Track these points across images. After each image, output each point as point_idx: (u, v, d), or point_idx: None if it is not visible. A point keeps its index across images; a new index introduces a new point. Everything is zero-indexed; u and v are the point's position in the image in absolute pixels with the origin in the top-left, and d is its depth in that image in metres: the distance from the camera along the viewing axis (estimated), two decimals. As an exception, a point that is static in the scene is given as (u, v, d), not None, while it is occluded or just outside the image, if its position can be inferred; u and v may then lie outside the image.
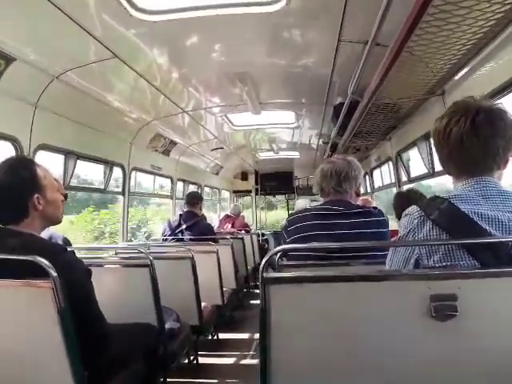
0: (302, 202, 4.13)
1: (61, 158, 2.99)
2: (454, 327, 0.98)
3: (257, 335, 3.76)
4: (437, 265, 1.02)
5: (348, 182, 1.83)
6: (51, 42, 2.18)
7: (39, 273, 1.25)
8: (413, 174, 3.73)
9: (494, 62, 1.99)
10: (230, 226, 6.54)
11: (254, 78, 3.12)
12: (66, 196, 2.24)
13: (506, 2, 1.53)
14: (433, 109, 2.81)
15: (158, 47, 2.52)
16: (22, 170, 1.40)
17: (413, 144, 3.40)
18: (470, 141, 1.03)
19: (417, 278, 1.03)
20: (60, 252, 1.39)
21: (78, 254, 1.57)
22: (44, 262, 1.23)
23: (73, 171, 3.05)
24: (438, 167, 3.09)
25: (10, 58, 2.15)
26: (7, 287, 1.29)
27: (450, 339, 1.00)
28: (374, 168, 5.24)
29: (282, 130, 5.37)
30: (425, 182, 3.76)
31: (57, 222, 1.58)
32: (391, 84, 2.36)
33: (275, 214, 12.24)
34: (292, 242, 1.76)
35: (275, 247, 1.28)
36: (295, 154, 7.15)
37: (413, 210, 1.10)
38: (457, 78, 2.37)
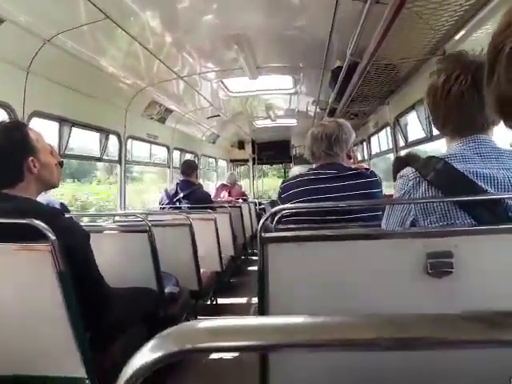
0: (296, 170, 4.10)
1: (55, 125, 2.93)
2: (450, 284, 0.99)
3: (254, 300, 3.86)
4: (433, 225, 1.02)
5: (339, 145, 1.82)
6: (41, 2, 2.09)
7: (36, 237, 1.24)
8: (410, 139, 3.71)
9: (494, 20, 1.93)
10: (226, 194, 6.55)
11: (251, 40, 3.02)
12: (61, 163, 2.23)
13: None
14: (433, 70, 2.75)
15: (150, 9, 2.42)
16: (15, 132, 1.37)
17: (411, 108, 3.35)
18: (470, 98, 0.99)
19: (414, 235, 1.03)
20: (57, 215, 1.39)
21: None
22: (42, 224, 1.23)
23: (68, 139, 2.99)
24: (436, 131, 3.06)
25: (-2, 19, 2.06)
26: (6, 251, 1.29)
27: (445, 296, 1.01)
28: (372, 134, 5.20)
29: (280, 96, 5.28)
30: (422, 148, 3.75)
31: (52, 185, 1.56)
32: (391, 44, 2.30)
33: (273, 182, 12.24)
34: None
35: None
36: (292, 122, 7.07)
37: (407, 171, 1.08)
38: (457, 37, 2.30)
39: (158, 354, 0.37)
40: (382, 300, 1.06)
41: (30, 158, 1.39)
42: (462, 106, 1.01)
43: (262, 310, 1.12)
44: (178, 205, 3.75)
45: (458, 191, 0.98)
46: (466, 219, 0.99)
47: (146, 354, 0.37)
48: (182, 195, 3.76)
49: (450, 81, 1.01)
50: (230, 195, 6.56)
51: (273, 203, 8.33)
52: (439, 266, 0.99)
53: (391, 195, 1.67)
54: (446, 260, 0.99)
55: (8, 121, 1.48)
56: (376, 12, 1.99)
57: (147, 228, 2.12)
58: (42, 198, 1.75)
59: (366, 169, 1.85)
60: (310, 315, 0.40)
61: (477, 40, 2.12)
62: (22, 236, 1.26)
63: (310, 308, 1.11)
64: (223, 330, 0.39)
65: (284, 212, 1.61)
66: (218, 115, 5.88)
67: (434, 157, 1.05)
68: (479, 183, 0.97)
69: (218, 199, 6.18)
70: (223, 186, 6.77)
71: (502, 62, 0.49)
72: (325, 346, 0.38)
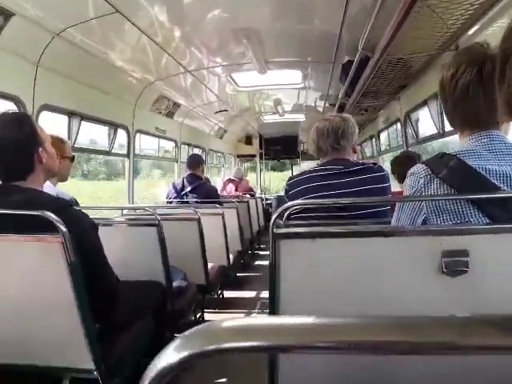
0: (305, 167, 4.10)
1: (64, 118, 2.94)
2: (465, 283, 0.98)
3: (261, 294, 3.89)
4: (446, 223, 1.00)
5: (345, 139, 1.79)
6: None
7: (46, 228, 1.24)
8: (421, 135, 3.66)
9: (507, 16, 1.89)
10: (233, 189, 6.54)
11: (260, 34, 2.99)
12: (73, 158, 2.24)
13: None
14: (446, 65, 2.71)
15: (159, 2, 2.41)
16: (25, 124, 1.38)
17: (423, 103, 3.31)
18: (476, 92, 0.98)
19: (429, 233, 1.01)
20: (66, 206, 1.39)
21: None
22: (53, 216, 1.23)
23: (77, 132, 3.00)
24: (449, 127, 3.02)
25: (8, 12, 2.07)
26: (18, 242, 1.29)
27: (460, 295, 0.99)
28: (381, 130, 5.15)
29: (288, 91, 5.23)
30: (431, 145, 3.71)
31: (55, 174, 1.62)
32: (403, 38, 2.26)
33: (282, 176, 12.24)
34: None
35: None
36: (301, 117, 7.03)
37: (418, 168, 1.06)
38: (470, 32, 2.27)
39: (183, 355, 0.35)
40: (395, 298, 1.04)
41: (40, 149, 1.40)
42: (467, 99, 1.00)
43: (273, 306, 1.11)
44: (185, 199, 3.76)
45: (471, 189, 0.96)
46: (481, 217, 0.97)
47: (171, 354, 0.36)
48: (189, 189, 3.75)
49: (457, 74, 1.00)
50: (236, 190, 6.55)
51: (279, 199, 8.33)
52: (454, 265, 0.97)
53: (400, 192, 1.65)
54: (461, 259, 0.97)
55: (12, 112, 1.49)
56: (389, 6, 1.96)
57: (156, 222, 2.12)
58: (52, 190, 1.76)
59: (373, 163, 1.83)
60: (329, 316, 0.39)
61: (490, 35, 2.08)
62: (34, 227, 1.27)
63: (320, 305, 1.10)
64: (250, 329, 0.38)
65: (293, 208, 1.60)
66: (226, 110, 5.87)
67: (446, 153, 1.03)
68: (492, 180, 0.96)
69: (225, 193, 6.18)
70: (230, 181, 6.77)
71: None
72: (339, 348, 0.37)
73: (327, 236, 1.08)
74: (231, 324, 0.38)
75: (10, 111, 1.45)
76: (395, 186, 2.60)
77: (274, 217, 1.13)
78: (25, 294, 1.35)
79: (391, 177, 2.66)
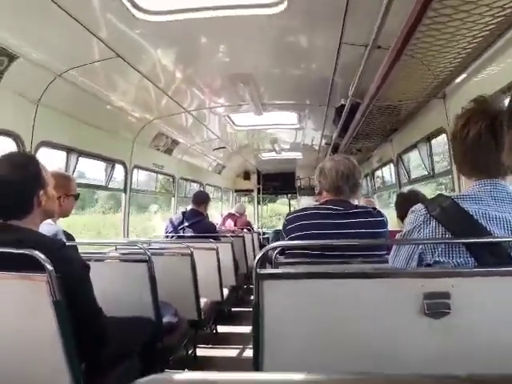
0: (305, 202, 4.15)
1: (63, 155, 3.01)
2: (447, 324, 1.00)
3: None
4: (439, 260, 1.05)
5: (350, 182, 1.84)
6: (54, 40, 2.19)
7: (36, 267, 1.26)
8: (413, 176, 3.75)
9: (495, 65, 2.01)
10: (232, 224, 6.56)
11: (257, 79, 3.13)
12: (77, 196, 2.25)
13: (506, 6, 1.54)
14: (433, 111, 2.83)
15: (162, 48, 2.53)
16: (30, 166, 1.42)
17: (414, 146, 3.42)
18: (487, 142, 1.04)
19: (411, 275, 1.05)
20: (58, 247, 1.41)
21: (80, 249, 1.60)
22: (40, 255, 1.25)
23: (74, 168, 3.07)
24: (438, 169, 3.11)
25: (13, 55, 2.16)
26: (3, 279, 1.31)
27: (442, 336, 1.01)
28: (376, 169, 5.26)
29: (285, 131, 5.39)
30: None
31: (52, 216, 1.63)
32: (392, 86, 2.37)
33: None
34: (290, 240, 1.77)
35: None
36: (298, 155, 7.16)
37: (419, 207, 1.12)
38: (458, 80, 2.38)
39: None
40: (379, 339, 1.06)
41: (41, 192, 1.43)
42: (478, 148, 1.06)
43: (257, 346, 1.12)
44: (182, 233, 3.79)
45: (461, 230, 1.01)
46: (467, 258, 1.02)
47: None
48: (187, 224, 3.81)
49: (469, 124, 1.07)
50: (235, 224, 6.57)
51: (277, 233, 8.31)
52: (436, 307, 1.00)
53: (397, 231, 1.68)
54: (443, 301, 1.00)
55: (20, 153, 1.53)
56: (377, 56, 2.07)
57: (147, 258, 2.14)
58: (52, 228, 1.80)
59: (372, 208, 1.88)
60: (301, 372, 0.38)
61: (477, 83, 2.19)
62: (24, 266, 1.28)
63: (303, 343, 1.11)
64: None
65: (284, 245, 1.63)
66: (224, 147, 5.98)
67: (442, 195, 1.11)
68: (490, 225, 1.01)
69: (223, 228, 6.18)
70: (229, 216, 6.80)
71: None
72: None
73: (311, 277, 1.11)
74: (179, 378, 0.37)
75: (18, 152, 1.48)
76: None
77: (257, 258, 1.16)
78: (10, 332, 1.35)
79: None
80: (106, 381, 1.57)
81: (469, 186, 1.12)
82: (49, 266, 1.25)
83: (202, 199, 4.02)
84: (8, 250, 1.27)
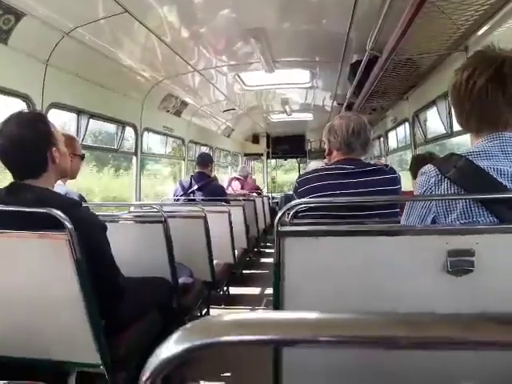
0: (314, 164, 4.08)
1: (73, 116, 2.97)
2: (470, 282, 0.98)
3: (266, 291, 3.91)
4: (455, 223, 1.00)
5: (360, 140, 1.77)
6: None
7: (55, 226, 1.27)
8: (430, 135, 3.64)
9: None
10: (239, 187, 6.53)
11: (268, 34, 3.00)
12: (83, 156, 2.26)
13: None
14: (454, 65, 2.67)
15: (168, 3, 2.43)
16: (40, 123, 1.40)
17: (432, 103, 3.29)
18: (495, 92, 0.97)
19: (434, 232, 1.01)
20: (75, 206, 1.41)
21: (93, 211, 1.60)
22: (60, 214, 1.25)
23: (85, 130, 3.04)
24: (457, 127, 3.00)
25: (20, 13, 2.10)
26: (25, 239, 1.32)
27: (465, 295, 0.99)
28: (389, 130, 5.13)
29: (296, 91, 5.24)
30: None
31: (67, 174, 1.64)
32: (412, 38, 2.25)
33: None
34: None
35: None
36: (308, 116, 7.01)
37: (429, 168, 1.07)
38: (480, 32, 2.25)
39: (183, 347, 0.37)
40: (399, 297, 1.05)
41: (54, 149, 1.42)
42: (485, 101, 0.99)
43: (277, 303, 1.12)
44: (191, 197, 3.78)
45: (480, 189, 0.96)
46: (488, 217, 0.97)
47: (171, 347, 0.37)
48: (196, 187, 3.79)
49: (474, 76, 1.00)
50: (242, 188, 6.54)
51: (287, 198, 8.32)
52: (460, 265, 0.98)
53: (410, 192, 1.64)
54: (467, 258, 0.97)
55: (28, 111, 1.51)
56: (397, 7, 1.95)
57: (163, 219, 2.14)
58: (61, 189, 1.79)
59: (385, 165, 1.82)
60: (331, 312, 0.40)
61: (500, 35, 2.07)
62: (42, 225, 1.29)
63: (324, 303, 1.11)
64: (248, 323, 0.39)
65: (300, 207, 1.60)
66: (234, 109, 5.88)
67: (454, 154, 1.04)
68: (502, 180, 0.95)
69: (230, 190, 6.16)
70: (236, 179, 6.76)
71: None
72: (342, 342, 0.38)
73: (331, 234, 1.09)
74: (231, 318, 0.39)
75: (26, 111, 1.47)
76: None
77: (279, 214, 1.13)
78: (32, 290, 1.37)
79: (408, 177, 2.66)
80: (125, 337, 1.60)
81: (476, 142, 1.05)
82: (68, 225, 1.26)
83: (206, 160, 3.97)
84: (29, 210, 1.28)
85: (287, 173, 13.11)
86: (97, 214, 1.73)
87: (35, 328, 1.41)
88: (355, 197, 1.62)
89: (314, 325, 0.38)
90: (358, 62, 3.10)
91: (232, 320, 0.39)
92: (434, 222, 1.05)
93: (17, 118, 1.38)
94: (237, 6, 2.55)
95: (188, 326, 0.39)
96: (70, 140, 2.05)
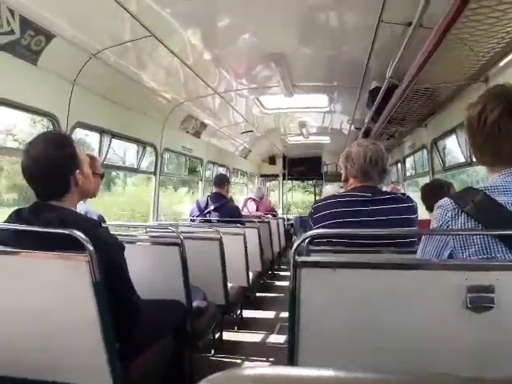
0: (330, 189, 4.08)
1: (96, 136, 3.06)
2: (490, 319, 0.96)
3: (281, 314, 3.88)
4: (472, 258, 0.98)
5: (378, 168, 1.78)
6: (90, 19, 2.20)
7: (75, 246, 1.29)
8: (448, 163, 3.60)
9: None
10: (254, 208, 6.53)
11: (288, 59, 3.06)
12: (102, 175, 2.31)
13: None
14: (474, 96, 2.67)
15: (192, 27, 2.51)
16: (66, 145, 1.43)
17: (450, 131, 3.26)
18: (507, 127, 0.97)
19: (453, 268, 1.00)
20: (96, 227, 1.43)
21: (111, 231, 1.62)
22: (81, 235, 1.27)
23: (107, 150, 3.11)
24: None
25: (50, 34, 2.20)
26: (46, 259, 1.34)
27: (485, 331, 0.97)
28: (407, 156, 5.09)
29: (314, 114, 5.29)
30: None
31: (89, 195, 1.68)
32: (433, 68, 2.25)
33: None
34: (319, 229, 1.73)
35: (300, 232, 1.27)
36: (325, 139, 7.03)
37: (446, 202, 1.06)
38: (501, 64, 2.25)
39: None
40: (419, 332, 1.03)
41: (77, 171, 1.45)
42: (498, 135, 0.99)
43: (293, 334, 1.11)
44: (207, 217, 3.80)
45: (498, 224, 0.95)
46: (507, 253, 0.96)
47: None
48: (212, 207, 3.82)
49: (486, 110, 1.01)
50: (257, 209, 6.54)
51: (302, 220, 8.27)
52: (480, 301, 0.96)
53: (427, 220, 1.61)
54: (487, 295, 0.96)
55: (56, 132, 1.55)
56: (418, 36, 1.97)
57: (179, 241, 2.15)
58: (81, 208, 1.83)
59: (402, 194, 1.81)
60: (358, 371, 0.39)
61: None
62: (63, 245, 1.31)
63: (339, 333, 1.09)
64: (270, 379, 0.38)
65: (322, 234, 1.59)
66: (252, 131, 5.94)
67: (472, 188, 1.03)
68: None
69: (245, 211, 6.17)
70: (251, 200, 6.77)
71: None
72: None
73: (348, 266, 1.08)
74: (251, 373, 0.38)
75: (53, 131, 1.50)
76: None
77: (295, 245, 1.14)
78: (49, 311, 1.38)
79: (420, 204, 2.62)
80: (139, 361, 1.60)
81: (492, 176, 1.04)
82: (90, 247, 1.27)
83: (223, 180, 4.02)
84: (51, 230, 1.30)
85: (305, 193, 13.10)
86: (114, 233, 1.75)
87: (48, 348, 1.41)
88: (371, 228, 1.61)
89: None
90: (377, 89, 3.11)
91: (254, 375, 0.38)
92: (450, 256, 1.04)
93: (43, 139, 1.42)
94: (258, 30, 2.61)
95: (211, 377, 0.38)
96: (91, 160, 2.11)
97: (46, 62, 2.30)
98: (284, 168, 9.23)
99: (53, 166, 1.39)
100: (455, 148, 3.28)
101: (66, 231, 1.28)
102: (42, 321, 1.39)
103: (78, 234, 1.28)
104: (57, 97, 2.52)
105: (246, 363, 2.84)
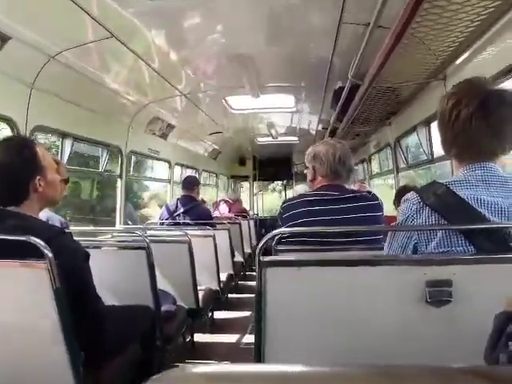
0: (300, 188, 4.12)
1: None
2: (449, 313, 0.99)
3: (253, 316, 3.83)
4: (434, 251, 1.02)
5: (344, 166, 1.82)
6: (47, 20, 2.12)
7: (36, 254, 1.23)
8: (411, 161, 3.72)
9: (496, 45, 1.96)
10: (226, 210, 6.50)
11: (254, 60, 3.06)
12: (67, 180, 2.21)
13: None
14: (433, 93, 2.78)
15: (156, 27, 2.46)
16: (25, 150, 1.37)
17: (412, 129, 3.38)
18: (478, 124, 0.99)
19: (413, 263, 1.03)
20: (57, 234, 1.37)
21: (75, 237, 1.57)
22: (39, 242, 1.22)
23: (70, 153, 3.01)
24: (437, 153, 3.08)
25: (5, 36, 2.09)
26: (3, 267, 1.28)
27: (444, 325, 1.00)
28: (372, 154, 5.22)
29: (281, 115, 5.33)
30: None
31: (54, 203, 1.60)
32: (392, 67, 2.32)
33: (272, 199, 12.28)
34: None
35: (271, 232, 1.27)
36: (294, 140, 7.09)
37: (411, 196, 1.08)
38: (458, 62, 2.33)
39: None
40: (379, 328, 1.05)
41: (38, 177, 1.39)
42: (468, 130, 1.01)
43: (259, 334, 1.11)
44: (177, 220, 3.75)
45: (459, 218, 0.98)
46: (467, 247, 0.99)
47: None
48: (182, 210, 3.76)
49: (460, 105, 1.02)
50: (230, 211, 6.51)
51: (272, 219, 8.32)
52: (438, 295, 0.99)
53: (393, 217, 1.65)
54: (445, 289, 0.99)
55: (16, 137, 1.48)
56: (378, 36, 2.01)
57: (145, 245, 2.10)
58: (43, 214, 1.75)
59: (367, 192, 1.85)
60: (306, 365, 0.38)
61: (478, 64, 2.14)
62: (23, 253, 1.25)
63: (305, 331, 1.10)
64: (218, 376, 0.37)
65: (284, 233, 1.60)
66: (220, 132, 5.91)
67: (436, 182, 1.06)
68: (483, 211, 0.97)
69: (217, 213, 6.13)
70: (224, 202, 6.73)
71: None
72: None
73: (313, 264, 1.09)
74: (199, 370, 0.38)
75: (15, 136, 1.44)
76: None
77: (260, 244, 1.14)
78: (9, 319, 1.32)
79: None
80: (106, 371, 1.55)
81: (459, 170, 1.08)
82: (49, 253, 1.22)
83: (193, 183, 3.96)
84: (8, 237, 1.24)
85: (273, 194, 13.17)
86: (79, 239, 1.69)
87: (10, 358, 1.34)
88: (338, 225, 1.64)
89: (291, 380, 0.37)
90: (341, 89, 3.17)
91: (202, 372, 0.38)
92: (415, 248, 1.06)
93: (2, 143, 1.38)
94: (224, 32, 2.60)
95: (155, 377, 0.37)
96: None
97: (2, 65, 2.20)
98: (254, 169, 9.25)
99: (9, 172, 1.34)
100: (417, 146, 3.39)
101: (23, 238, 1.22)
102: (2, 330, 1.32)
103: (36, 240, 1.22)
104: (14, 100, 2.41)
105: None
